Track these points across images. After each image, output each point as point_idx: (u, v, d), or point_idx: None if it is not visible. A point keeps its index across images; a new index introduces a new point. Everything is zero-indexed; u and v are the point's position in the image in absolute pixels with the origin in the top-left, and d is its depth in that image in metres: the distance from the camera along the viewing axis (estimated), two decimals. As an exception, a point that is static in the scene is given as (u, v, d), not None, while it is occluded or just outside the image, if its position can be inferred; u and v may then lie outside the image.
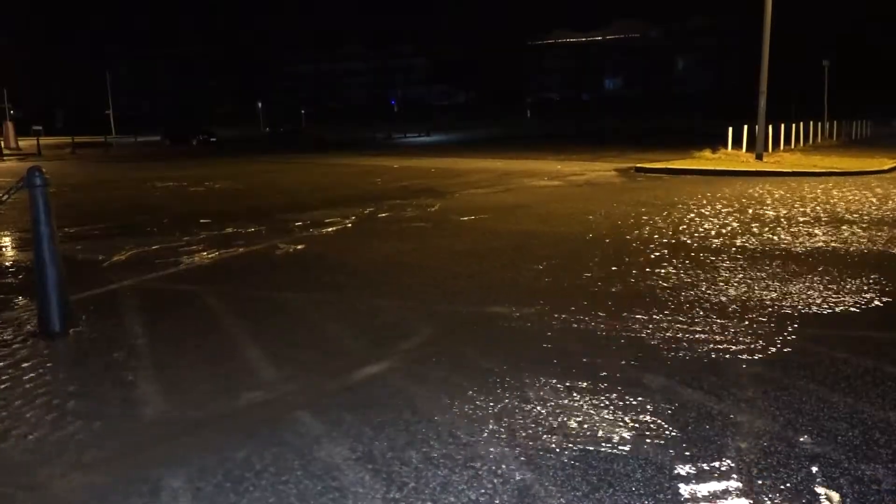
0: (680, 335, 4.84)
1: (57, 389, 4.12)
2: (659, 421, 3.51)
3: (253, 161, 25.87)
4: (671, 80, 54.53)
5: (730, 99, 35.11)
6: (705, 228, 9.33)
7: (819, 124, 32.41)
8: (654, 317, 5.27)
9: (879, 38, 47.26)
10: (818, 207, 11.37)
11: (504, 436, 3.39)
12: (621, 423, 3.49)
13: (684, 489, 2.89)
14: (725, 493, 2.85)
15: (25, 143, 38.97)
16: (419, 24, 56.70)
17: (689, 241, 8.38)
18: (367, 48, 55.47)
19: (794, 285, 6.20)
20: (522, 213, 11.34)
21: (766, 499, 2.81)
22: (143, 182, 18.16)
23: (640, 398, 3.79)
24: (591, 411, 3.65)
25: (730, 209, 11.20)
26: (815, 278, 6.45)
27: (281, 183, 17.54)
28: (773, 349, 4.55)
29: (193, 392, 4.00)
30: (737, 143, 23.97)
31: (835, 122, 35.22)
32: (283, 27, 56.87)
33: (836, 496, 2.82)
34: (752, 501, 2.79)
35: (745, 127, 23.71)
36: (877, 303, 5.64)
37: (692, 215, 10.55)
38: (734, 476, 2.98)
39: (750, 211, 11.00)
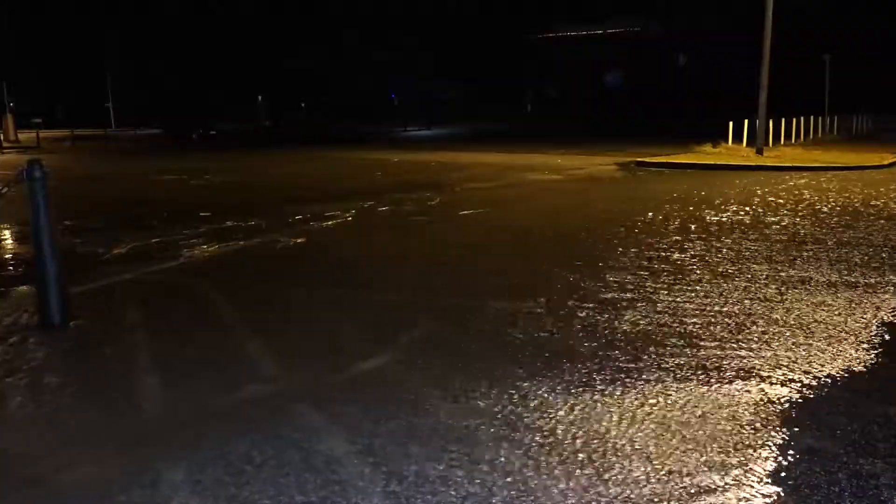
0: (676, 328, 4.84)
1: (57, 382, 4.12)
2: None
3: (253, 154, 25.85)
4: (672, 75, 54.36)
5: (731, 95, 35.04)
6: (707, 222, 9.33)
7: (819, 119, 32.36)
8: (653, 312, 5.27)
9: (879, 36, 47.22)
10: (817, 201, 11.37)
11: (504, 430, 3.39)
12: (625, 413, 3.50)
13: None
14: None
15: (25, 135, 38.91)
16: (420, 20, 56.36)
17: (690, 235, 8.37)
18: (368, 43, 55.29)
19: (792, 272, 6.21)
20: (523, 208, 11.34)
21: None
22: (143, 175, 18.14)
23: (643, 390, 3.79)
24: (593, 405, 3.65)
25: (730, 203, 11.19)
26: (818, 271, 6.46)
27: (281, 176, 17.52)
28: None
29: (193, 385, 4.00)
30: (737, 137, 23.95)
31: (835, 117, 35.16)
32: (283, 21, 56.61)
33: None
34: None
35: (746, 122, 23.67)
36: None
37: (693, 209, 10.54)
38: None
39: (749, 204, 11.00)
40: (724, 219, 9.68)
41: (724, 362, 4.23)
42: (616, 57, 57.27)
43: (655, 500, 2.78)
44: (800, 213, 10.18)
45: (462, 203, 11.63)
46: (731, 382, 3.93)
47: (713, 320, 5.05)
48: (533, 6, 58.55)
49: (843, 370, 4.13)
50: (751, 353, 4.38)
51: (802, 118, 29.31)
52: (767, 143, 22.45)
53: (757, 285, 6.03)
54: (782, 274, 6.45)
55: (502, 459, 3.10)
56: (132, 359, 4.44)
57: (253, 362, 4.36)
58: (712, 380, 3.97)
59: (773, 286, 6.00)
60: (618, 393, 3.79)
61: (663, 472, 2.98)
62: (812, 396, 3.74)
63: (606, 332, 4.81)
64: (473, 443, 3.26)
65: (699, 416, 3.50)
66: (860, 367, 4.18)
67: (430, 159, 21.83)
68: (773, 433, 3.32)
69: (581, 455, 3.13)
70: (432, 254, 7.76)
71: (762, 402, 3.66)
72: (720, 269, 6.62)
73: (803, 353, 4.40)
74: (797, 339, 4.66)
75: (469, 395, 3.79)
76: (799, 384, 3.90)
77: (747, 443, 3.23)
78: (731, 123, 24.09)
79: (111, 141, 39.40)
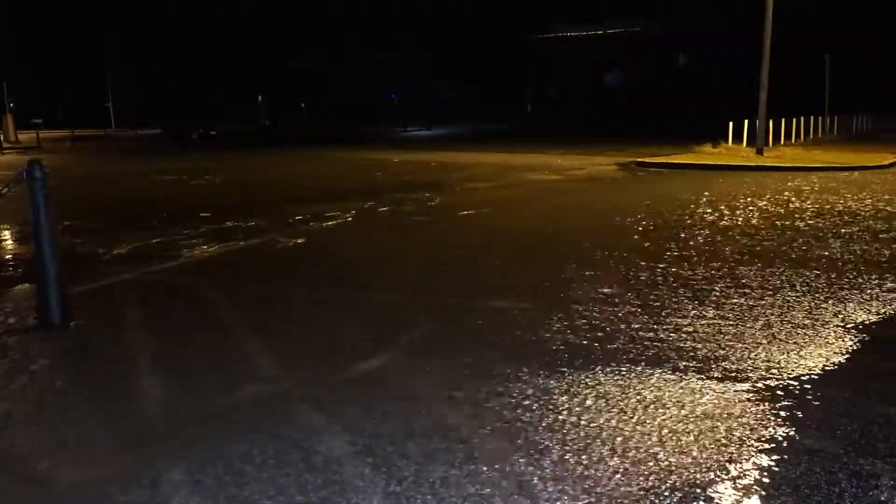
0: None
1: (57, 382, 4.12)
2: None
3: (253, 154, 25.84)
4: (672, 75, 54.32)
5: (731, 95, 35.00)
6: (707, 223, 9.33)
7: (819, 119, 32.36)
8: (652, 311, 5.27)
9: (879, 36, 47.25)
10: (817, 202, 11.37)
11: (505, 430, 3.39)
12: (623, 413, 3.50)
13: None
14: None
15: (25, 136, 38.91)
16: (420, 20, 56.39)
17: (689, 236, 8.37)
18: (368, 43, 55.23)
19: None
20: (523, 208, 11.34)
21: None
22: (143, 175, 18.14)
23: (642, 389, 3.79)
24: (595, 404, 3.65)
25: (729, 204, 11.19)
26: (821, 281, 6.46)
27: (281, 176, 17.52)
28: (773, 344, 4.55)
29: (194, 385, 4.01)
30: (737, 137, 23.94)
31: (835, 117, 35.15)
32: (283, 21, 56.69)
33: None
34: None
35: (746, 122, 23.66)
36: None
37: (692, 210, 10.54)
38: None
39: (749, 205, 11.00)
40: (724, 220, 9.68)
41: (723, 362, 4.23)
42: (616, 57, 57.20)
43: (654, 499, 2.78)
44: (800, 214, 10.18)
45: (462, 203, 11.63)
46: (729, 382, 3.93)
47: (711, 321, 5.05)
48: (533, 6, 58.51)
49: (842, 370, 4.13)
50: (750, 353, 4.38)
51: (802, 118, 29.30)
52: (767, 143, 22.44)
53: (756, 286, 6.03)
54: (780, 275, 6.45)
55: (503, 460, 3.10)
56: (132, 359, 4.44)
57: (253, 362, 4.36)
58: (711, 379, 3.97)
59: (773, 287, 6.00)
60: (620, 391, 3.79)
61: (662, 471, 2.98)
62: (812, 396, 3.74)
63: (607, 331, 4.81)
64: (474, 443, 3.26)
65: (698, 416, 3.50)
66: (860, 368, 4.18)
67: (430, 159, 21.83)
68: (772, 433, 3.32)
69: (582, 455, 3.13)
70: (432, 254, 7.76)
71: (761, 402, 3.66)
72: (720, 271, 6.63)
73: (803, 353, 4.40)
74: (796, 339, 4.66)
75: (469, 395, 3.78)
76: (798, 384, 3.90)
77: (747, 443, 3.23)
78: (731, 123, 24.08)
79: (111, 141, 39.39)
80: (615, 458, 3.09)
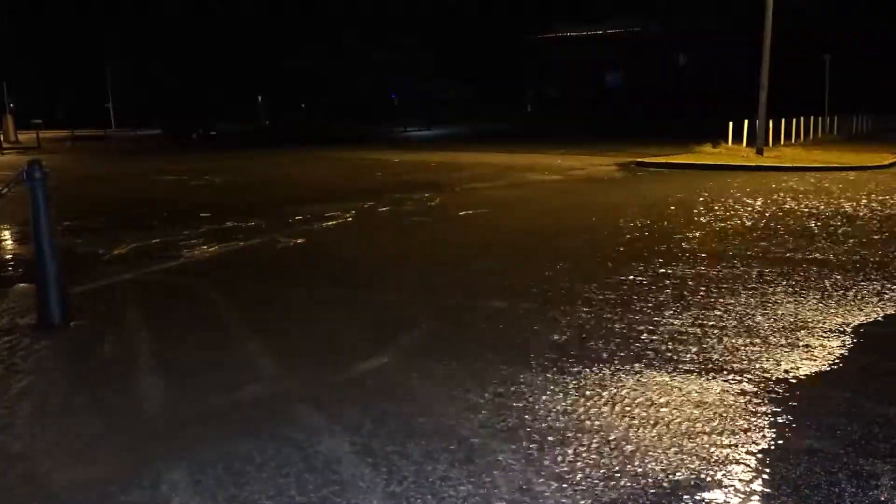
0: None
1: (56, 382, 4.12)
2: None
3: (253, 155, 25.82)
4: (672, 75, 54.24)
5: (731, 95, 34.95)
6: (708, 223, 9.33)
7: (819, 119, 32.35)
8: (651, 311, 5.27)
9: (879, 36, 47.20)
10: (816, 202, 11.37)
11: (504, 430, 3.39)
12: (625, 413, 3.50)
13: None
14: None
15: (25, 136, 38.86)
16: (420, 20, 56.35)
17: (687, 237, 8.37)
18: (368, 43, 55.19)
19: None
20: (523, 208, 11.34)
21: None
22: (143, 176, 18.13)
23: (643, 389, 3.80)
24: (595, 404, 3.65)
25: (729, 204, 11.20)
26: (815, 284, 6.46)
27: (281, 177, 17.52)
28: (773, 344, 4.55)
29: (194, 385, 4.01)
30: (737, 137, 23.94)
31: (835, 117, 35.14)
32: (283, 21, 56.68)
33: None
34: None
35: (746, 122, 23.66)
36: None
37: (693, 210, 10.54)
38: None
39: (747, 206, 11.00)
40: (724, 221, 9.68)
41: (723, 362, 4.23)
42: (616, 57, 57.17)
43: (653, 499, 2.78)
44: (799, 214, 10.18)
45: (462, 203, 11.63)
46: (728, 382, 3.93)
47: (711, 321, 5.05)
48: (533, 6, 58.46)
49: (841, 370, 4.13)
50: (749, 353, 4.38)
51: (802, 118, 29.29)
52: (767, 143, 22.44)
53: (754, 286, 6.03)
54: (777, 274, 6.45)
55: (503, 459, 3.10)
56: (132, 359, 4.44)
57: (253, 362, 4.36)
58: (709, 379, 3.97)
59: (771, 287, 6.00)
60: (621, 392, 3.79)
61: (662, 471, 2.98)
62: (812, 396, 3.74)
63: (607, 331, 4.81)
64: (473, 442, 3.26)
65: (698, 415, 3.50)
66: (859, 368, 4.17)
67: (430, 159, 21.82)
68: (772, 433, 3.32)
69: (583, 455, 3.13)
70: (432, 254, 7.76)
71: (761, 402, 3.66)
72: (719, 271, 6.62)
73: (802, 353, 4.40)
74: (796, 339, 4.66)
75: (469, 395, 3.78)
76: (797, 384, 3.90)
77: (747, 442, 3.23)
78: (731, 123, 24.07)
79: (111, 141, 39.36)
80: (616, 458, 3.09)
